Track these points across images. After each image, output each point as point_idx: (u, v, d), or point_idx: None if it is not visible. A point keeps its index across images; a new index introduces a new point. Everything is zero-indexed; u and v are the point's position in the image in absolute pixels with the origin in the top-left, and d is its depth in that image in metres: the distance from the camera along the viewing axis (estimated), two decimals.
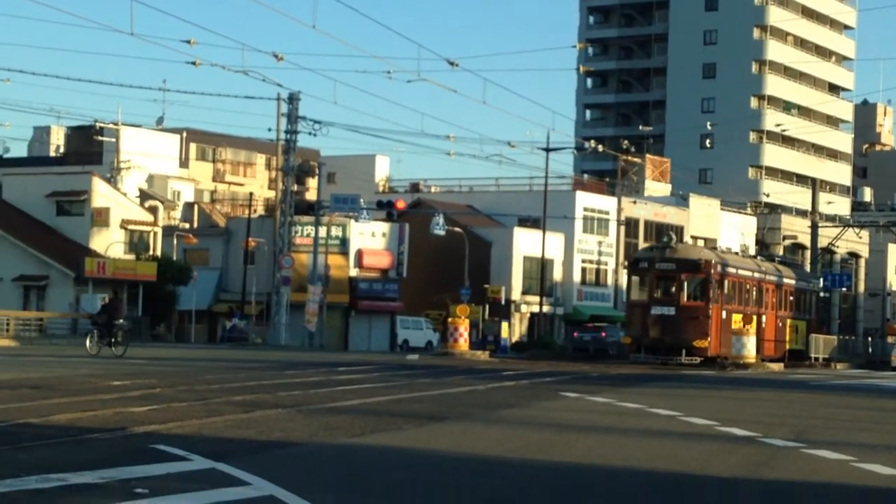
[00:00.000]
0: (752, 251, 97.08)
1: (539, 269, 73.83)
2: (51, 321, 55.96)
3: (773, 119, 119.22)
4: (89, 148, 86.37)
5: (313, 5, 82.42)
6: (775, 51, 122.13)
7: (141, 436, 15.01)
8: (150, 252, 70.83)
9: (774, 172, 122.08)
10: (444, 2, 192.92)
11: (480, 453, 14.88)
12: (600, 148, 73.35)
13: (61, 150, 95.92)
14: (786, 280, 52.35)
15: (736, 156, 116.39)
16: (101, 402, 19.07)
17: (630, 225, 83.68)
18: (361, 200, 62.73)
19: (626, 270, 50.12)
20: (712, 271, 43.94)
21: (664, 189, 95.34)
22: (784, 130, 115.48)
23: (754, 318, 47.49)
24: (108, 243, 68.72)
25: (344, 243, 74.40)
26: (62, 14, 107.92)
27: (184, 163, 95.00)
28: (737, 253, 52.76)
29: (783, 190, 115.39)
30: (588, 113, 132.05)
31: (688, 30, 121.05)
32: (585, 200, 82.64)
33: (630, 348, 45.23)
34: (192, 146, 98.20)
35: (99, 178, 72.01)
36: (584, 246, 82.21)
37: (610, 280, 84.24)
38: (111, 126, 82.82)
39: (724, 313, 44.47)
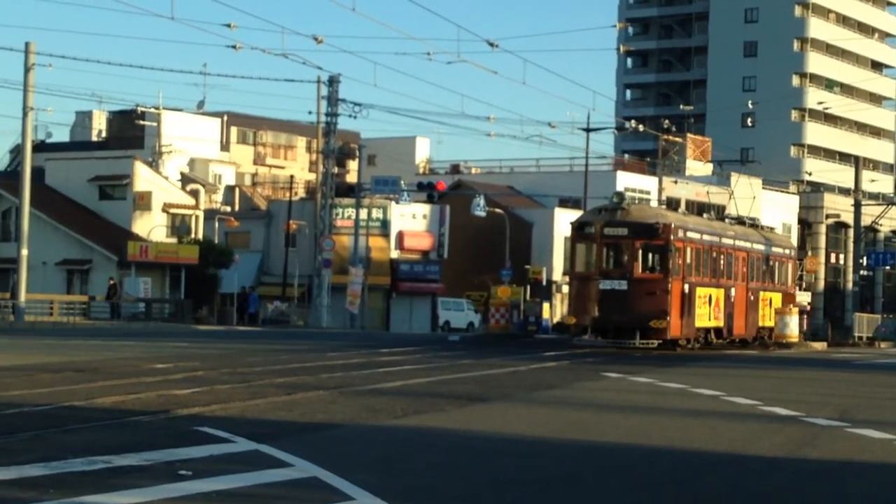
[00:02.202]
0: (795, 230, 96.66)
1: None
2: (94, 304, 56.29)
3: (815, 97, 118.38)
4: (131, 132, 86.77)
5: None
6: (817, 28, 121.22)
7: (184, 418, 15.10)
8: (192, 235, 71.11)
9: (817, 151, 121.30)
10: None
11: (521, 434, 14.89)
12: (641, 128, 73.06)
13: (103, 134, 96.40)
14: (758, 246, 43.52)
15: (778, 134, 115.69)
16: (145, 384, 19.20)
17: (671, 205, 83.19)
18: (402, 182, 62.73)
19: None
20: (672, 237, 35.13)
21: (705, 169, 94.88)
22: (826, 108, 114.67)
23: (722, 291, 39.13)
24: (151, 227, 69.05)
25: (385, 225, 74.47)
26: None
27: (225, 146, 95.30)
28: (700, 214, 43.26)
29: (826, 168, 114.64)
30: (628, 93, 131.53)
31: (729, 8, 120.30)
32: (626, 180, 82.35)
33: (574, 330, 36.59)
34: (233, 129, 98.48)
35: (141, 162, 72.33)
36: None
37: None
38: (152, 110, 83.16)
39: (686, 287, 35.90)
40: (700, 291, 37.02)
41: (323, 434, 14.28)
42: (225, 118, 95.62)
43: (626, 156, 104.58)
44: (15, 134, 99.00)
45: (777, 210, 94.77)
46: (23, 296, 50.41)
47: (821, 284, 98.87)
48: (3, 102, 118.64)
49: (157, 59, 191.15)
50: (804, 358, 37.44)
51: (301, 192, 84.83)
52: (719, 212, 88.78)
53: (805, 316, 53.11)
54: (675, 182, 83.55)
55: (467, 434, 14.75)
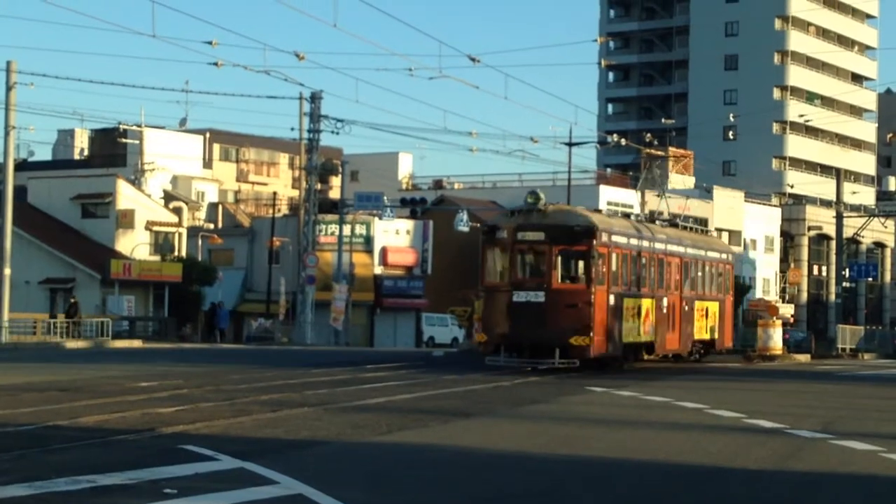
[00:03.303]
0: (777, 243, 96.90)
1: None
2: (82, 323, 56.08)
3: (796, 109, 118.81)
4: (113, 150, 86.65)
5: (334, 4, 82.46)
6: (797, 41, 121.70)
7: (169, 436, 15.09)
8: (175, 253, 71.03)
9: (798, 163, 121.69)
10: None
11: (507, 449, 14.90)
12: (623, 142, 73.20)
13: (85, 152, 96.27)
14: (693, 250, 38.88)
15: (759, 147, 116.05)
16: (129, 403, 19.16)
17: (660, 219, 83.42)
18: (385, 198, 62.74)
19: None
20: (595, 241, 30.54)
21: (687, 182, 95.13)
22: (807, 121, 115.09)
23: (653, 302, 34.47)
24: (134, 245, 68.95)
25: (368, 241, 74.47)
26: (84, 17, 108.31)
27: (207, 163, 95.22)
28: (627, 216, 38.95)
29: (807, 180, 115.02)
30: (610, 107, 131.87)
31: (709, 22, 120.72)
32: (609, 194, 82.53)
33: (484, 348, 31.57)
34: (216, 147, 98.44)
35: (123, 180, 72.25)
36: None
37: None
38: (135, 128, 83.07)
39: (611, 298, 31.36)
40: (628, 303, 32.57)
41: (308, 451, 14.28)
42: (207, 135, 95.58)
43: (609, 170, 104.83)
44: None
45: (759, 222, 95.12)
46: (6, 315, 50.24)
47: (804, 296, 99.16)
48: None
49: (139, 77, 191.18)
50: (788, 370, 37.54)
51: (284, 209, 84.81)
52: (700, 226, 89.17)
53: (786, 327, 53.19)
54: (658, 196, 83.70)
55: (452, 449, 14.76)
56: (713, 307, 40.38)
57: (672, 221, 40.33)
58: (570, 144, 70.13)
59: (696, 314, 38.64)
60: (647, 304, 33.93)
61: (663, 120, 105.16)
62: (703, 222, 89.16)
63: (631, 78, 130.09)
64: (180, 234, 73.12)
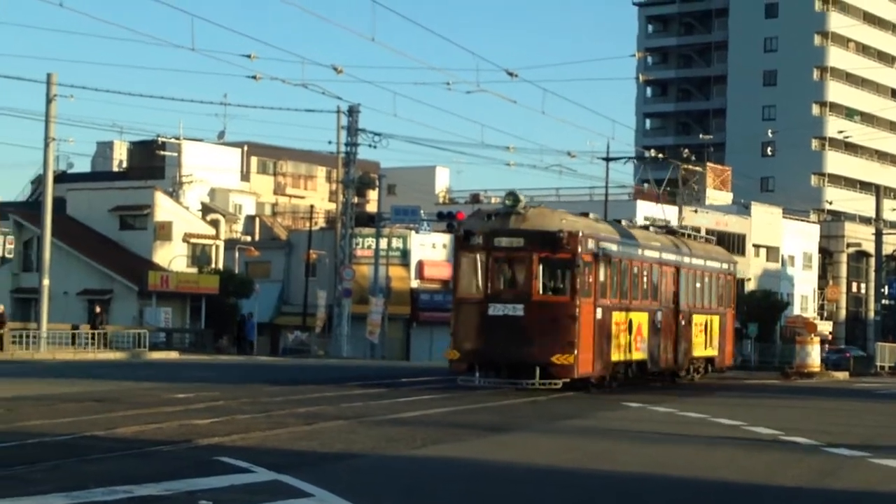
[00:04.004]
0: (815, 259, 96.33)
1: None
2: (115, 335, 56.42)
3: (835, 126, 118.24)
4: (151, 162, 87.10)
5: (372, 18, 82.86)
6: (837, 57, 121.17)
7: (205, 448, 15.12)
8: (213, 265, 71.28)
9: (837, 179, 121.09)
10: (503, 13, 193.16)
11: (541, 464, 14.86)
12: (660, 157, 73.01)
13: (124, 164, 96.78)
14: (692, 260, 35.81)
15: (798, 163, 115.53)
16: (165, 414, 19.23)
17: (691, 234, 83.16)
18: (422, 212, 62.82)
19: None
20: (580, 248, 27.72)
21: (725, 197, 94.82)
22: (847, 137, 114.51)
23: (646, 315, 31.64)
24: (171, 257, 69.24)
25: (405, 255, 74.55)
26: (124, 31, 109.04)
27: (245, 176, 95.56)
28: (618, 221, 34.31)
29: (846, 197, 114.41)
30: (648, 122, 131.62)
31: (748, 37, 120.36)
32: (646, 209, 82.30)
33: (456, 367, 28.37)
34: (253, 159, 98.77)
35: (161, 192, 72.60)
36: None
37: None
38: (173, 140, 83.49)
39: (599, 312, 28.50)
40: (617, 316, 29.70)
41: (343, 464, 14.29)
42: (245, 148, 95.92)
43: (646, 185, 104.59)
44: (37, 165, 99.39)
45: (797, 239, 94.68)
46: (44, 325, 50.52)
47: (842, 314, 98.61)
48: (26, 133, 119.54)
49: (178, 90, 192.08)
50: (825, 388, 37.28)
51: (321, 222, 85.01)
52: (738, 243, 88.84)
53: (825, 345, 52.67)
54: (696, 211, 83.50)
55: (487, 464, 14.73)
56: (713, 321, 37.61)
57: (668, 228, 37.63)
58: (607, 159, 70.01)
59: (695, 329, 35.76)
60: (639, 318, 31.12)
61: (701, 135, 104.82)
62: (741, 238, 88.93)
63: (669, 93, 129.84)
64: (217, 247, 73.38)
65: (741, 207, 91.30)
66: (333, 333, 62.89)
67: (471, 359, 27.88)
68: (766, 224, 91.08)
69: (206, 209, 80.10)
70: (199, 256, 71.72)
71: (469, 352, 27.91)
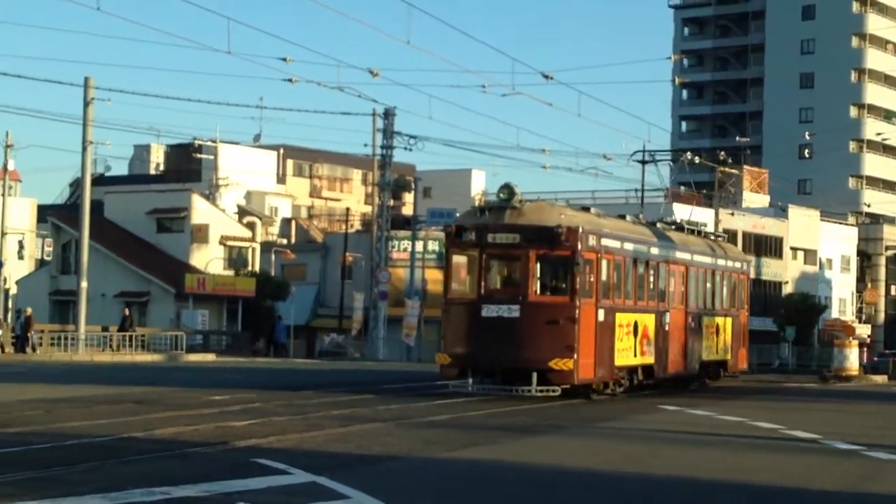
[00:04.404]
0: (853, 262, 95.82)
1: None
2: (152, 337, 56.71)
3: (873, 128, 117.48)
4: (188, 165, 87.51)
5: (407, 21, 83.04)
6: (875, 59, 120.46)
7: (242, 450, 15.16)
8: (249, 268, 71.50)
9: (875, 182, 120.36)
10: (538, 15, 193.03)
11: (577, 467, 14.84)
12: (697, 159, 72.80)
13: (161, 167, 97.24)
14: (702, 258, 34.04)
15: (835, 166, 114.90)
16: (202, 416, 19.29)
17: (728, 237, 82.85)
18: (457, 214, 62.76)
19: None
20: (580, 245, 25.84)
21: (762, 200, 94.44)
22: (885, 139, 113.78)
23: (653, 317, 29.68)
24: (208, 259, 69.49)
25: (441, 257, 74.55)
26: (161, 34, 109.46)
27: (281, 179, 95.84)
28: (622, 216, 32.03)
29: (885, 199, 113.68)
30: (684, 124, 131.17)
31: (785, 39, 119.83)
32: (682, 213, 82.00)
33: (447, 373, 26.60)
34: (289, 162, 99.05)
35: (198, 195, 72.89)
36: None
37: None
38: (209, 143, 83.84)
39: (601, 312, 26.61)
40: (622, 318, 27.78)
41: (380, 466, 14.30)
42: (281, 151, 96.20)
43: (682, 188, 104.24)
44: (75, 168, 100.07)
45: (835, 242, 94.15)
46: (82, 328, 50.81)
47: (881, 317, 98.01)
48: (64, 137, 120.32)
49: (215, 93, 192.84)
50: (864, 391, 37.08)
51: (357, 225, 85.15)
52: (775, 245, 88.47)
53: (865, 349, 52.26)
54: (732, 214, 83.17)
55: (522, 467, 14.71)
56: (725, 323, 35.71)
57: (678, 224, 35.32)
58: (643, 162, 69.83)
59: (705, 331, 33.87)
60: (645, 319, 29.14)
61: (738, 138, 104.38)
62: (778, 241, 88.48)
63: (705, 95, 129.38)
64: (254, 249, 73.62)
65: (778, 210, 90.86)
66: (370, 336, 62.97)
67: (463, 363, 26.12)
68: (803, 227, 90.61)
69: (242, 212, 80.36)
70: (236, 259, 71.96)
71: (461, 356, 26.11)
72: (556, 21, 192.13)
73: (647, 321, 29.27)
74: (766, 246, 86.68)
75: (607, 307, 26.85)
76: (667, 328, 30.56)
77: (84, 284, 51.74)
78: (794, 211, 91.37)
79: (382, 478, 13.38)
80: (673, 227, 34.28)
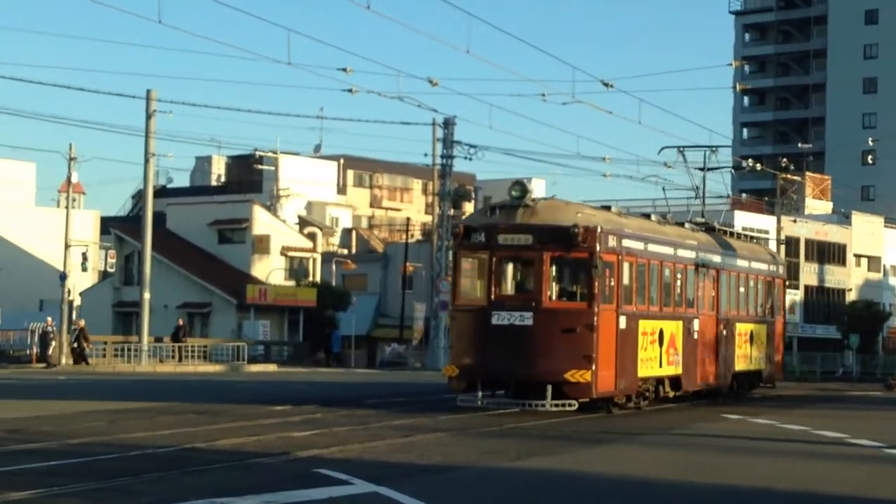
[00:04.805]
0: None
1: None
2: (214, 347, 57.07)
3: None
4: (249, 176, 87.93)
5: (467, 30, 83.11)
6: None
7: (304, 460, 15.20)
8: (310, 278, 71.74)
9: None
10: (598, 23, 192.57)
11: (640, 476, 14.75)
12: (758, 166, 72.27)
13: (222, 179, 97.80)
14: (735, 262, 31.75)
15: None
16: (264, 426, 19.36)
17: (790, 244, 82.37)
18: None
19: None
20: (599, 246, 23.88)
21: (825, 207, 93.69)
22: None
23: (680, 324, 27.60)
24: (269, 270, 69.81)
25: None
26: (221, 46, 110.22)
27: (341, 189, 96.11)
28: (647, 216, 29.61)
29: None
30: (745, 131, 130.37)
31: (847, 44, 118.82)
32: (744, 220, 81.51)
33: (456, 385, 24.40)
34: (349, 172, 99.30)
35: (259, 205, 73.26)
36: None
37: None
38: (270, 154, 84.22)
39: (622, 320, 24.62)
40: (645, 325, 25.77)
41: (441, 476, 14.28)
42: (341, 161, 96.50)
43: (744, 195, 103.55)
44: (137, 180, 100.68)
45: None
46: (145, 339, 51.19)
47: None
48: (126, 149, 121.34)
49: (275, 104, 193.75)
50: None
51: (417, 235, 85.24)
52: (838, 252, 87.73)
53: None
54: (795, 221, 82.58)
55: (582, 476, 14.64)
56: (759, 330, 33.36)
57: (709, 226, 32.87)
58: (704, 169, 69.43)
59: (738, 339, 31.64)
60: (671, 327, 27.10)
61: (800, 144, 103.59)
62: (841, 248, 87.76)
63: (767, 102, 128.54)
64: (315, 260, 73.86)
65: (841, 217, 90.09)
66: (430, 346, 62.99)
67: (472, 375, 24.03)
68: (867, 234, 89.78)
69: (303, 222, 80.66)
70: (297, 269, 72.24)
71: (470, 367, 24.08)
72: (617, 29, 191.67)
73: (674, 328, 27.27)
74: (829, 253, 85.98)
75: (629, 314, 24.86)
76: (695, 336, 28.45)
77: (147, 296, 52.12)
78: (857, 217, 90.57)
79: (444, 488, 13.36)
80: (703, 228, 31.92)
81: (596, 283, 23.66)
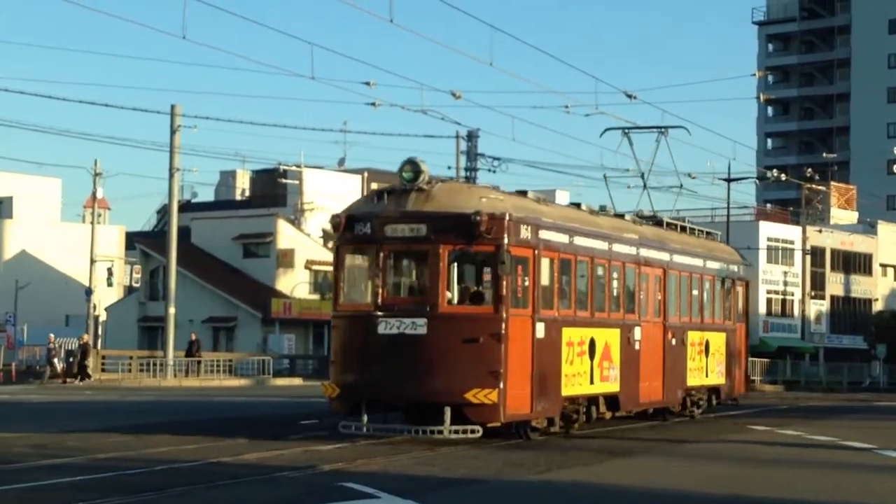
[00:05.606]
0: None
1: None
2: (240, 361, 57.17)
3: None
4: (274, 190, 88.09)
5: (490, 42, 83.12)
6: None
7: (329, 474, 15.19)
8: None
9: None
10: (621, 34, 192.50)
11: (667, 488, 14.70)
12: (783, 177, 72.13)
13: (247, 193, 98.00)
14: (686, 259, 27.09)
15: None
16: (290, 440, 19.37)
17: (816, 254, 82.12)
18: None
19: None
20: (507, 238, 19.52)
21: (850, 217, 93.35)
22: None
23: (616, 333, 23.25)
24: (294, 284, 69.93)
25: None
26: (245, 61, 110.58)
27: None
28: (577, 205, 25.20)
29: None
30: (770, 141, 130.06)
31: (871, 54, 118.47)
32: (769, 230, 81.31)
33: (337, 408, 20.16)
34: (374, 186, 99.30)
35: (283, 219, 73.41)
36: (768, 276, 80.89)
37: (797, 311, 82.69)
38: (294, 168, 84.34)
39: (540, 328, 20.23)
40: (571, 334, 21.39)
41: (467, 489, 14.25)
42: (365, 175, 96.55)
43: (769, 205, 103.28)
44: (162, 195, 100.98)
45: None
46: (171, 354, 51.28)
47: None
48: (151, 164, 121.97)
49: (299, 118, 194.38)
50: None
51: None
52: (864, 262, 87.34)
53: None
54: (820, 231, 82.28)
55: (609, 489, 14.60)
56: (716, 339, 28.83)
57: (656, 219, 28.12)
58: (728, 180, 69.30)
59: (690, 350, 27.04)
60: (605, 336, 22.80)
61: (824, 154, 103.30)
62: (867, 258, 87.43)
63: (791, 112, 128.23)
64: None
65: (867, 227, 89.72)
66: None
67: (355, 396, 19.83)
68: (892, 243, 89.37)
69: (327, 236, 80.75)
70: (322, 283, 72.28)
71: (353, 386, 19.82)
72: (640, 40, 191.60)
73: (610, 338, 23.00)
74: (854, 263, 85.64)
75: (550, 320, 20.56)
76: (636, 346, 24.13)
77: (172, 310, 52.22)
78: (883, 227, 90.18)
79: (469, 501, 13.34)
80: (651, 222, 27.42)
81: (504, 283, 19.43)
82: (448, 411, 18.97)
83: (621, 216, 25.93)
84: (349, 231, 20.31)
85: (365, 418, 19.61)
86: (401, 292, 20.48)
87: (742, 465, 17.52)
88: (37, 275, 72.41)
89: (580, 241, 21.89)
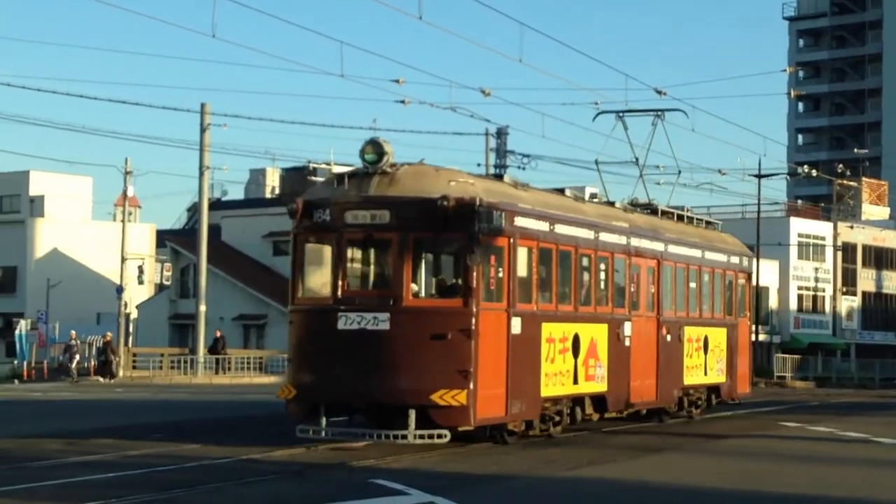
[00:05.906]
0: None
1: (754, 297, 72.30)
2: (270, 359, 57.19)
3: None
4: (303, 188, 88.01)
5: (519, 39, 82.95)
6: None
7: (360, 470, 15.21)
8: None
9: None
10: (651, 31, 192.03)
11: (697, 485, 14.65)
12: (814, 173, 71.79)
13: (276, 191, 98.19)
14: (682, 250, 25.49)
15: None
16: (321, 437, 19.37)
17: (847, 250, 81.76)
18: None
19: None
20: (478, 225, 17.92)
21: (882, 213, 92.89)
22: None
23: (604, 328, 21.50)
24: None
25: None
26: (275, 59, 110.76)
27: None
28: (560, 190, 22.14)
29: None
30: (800, 137, 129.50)
31: None
32: (800, 226, 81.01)
33: (294, 411, 18.51)
34: None
35: None
36: (799, 273, 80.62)
37: (828, 307, 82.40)
38: (324, 166, 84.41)
39: (516, 323, 18.59)
40: (552, 330, 19.70)
41: (498, 485, 14.24)
42: None
43: (800, 201, 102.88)
44: (192, 193, 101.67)
45: None
46: (201, 351, 51.40)
47: None
48: (181, 162, 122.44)
49: (328, 116, 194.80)
50: None
51: None
52: (895, 258, 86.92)
53: None
54: (851, 227, 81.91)
55: (639, 485, 14.56)
56: (717, 335, 27.17)
57: (651, 206, 26.04)
58: (759, 176, 69.01)
59: (687, 347, 25.38)
60: (591, 331, 21.09)
61: (856, 150, 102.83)
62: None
63: (821, 108, 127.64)
64: None
65: None
66: None
67: (313, 397, 18.28)
68: None
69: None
70: None
71: (311, 387, 18.31)
72: (669, 36, 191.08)
73: (596, 333, 21.29)
74: (886, 259, 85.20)
75: (527, 314, 18.92)
76: (627, 343, 22.40)
77: (202, 308, 52.36)
78: None
79: (501, 497, 13.33)
80: (646, 210, 25.61)
81: (474, 274, 17.81)
82: (413, 414, 17.35)
83: (611, 204, 24.37)
84: (307, 218, 18.98)
85: (324, 421, 18.04)
86: (362, 284, 19.04)
87: (774, 462, 17.45)
88: (68, 273, 72.65)
89: (562, 229, 20.21)
